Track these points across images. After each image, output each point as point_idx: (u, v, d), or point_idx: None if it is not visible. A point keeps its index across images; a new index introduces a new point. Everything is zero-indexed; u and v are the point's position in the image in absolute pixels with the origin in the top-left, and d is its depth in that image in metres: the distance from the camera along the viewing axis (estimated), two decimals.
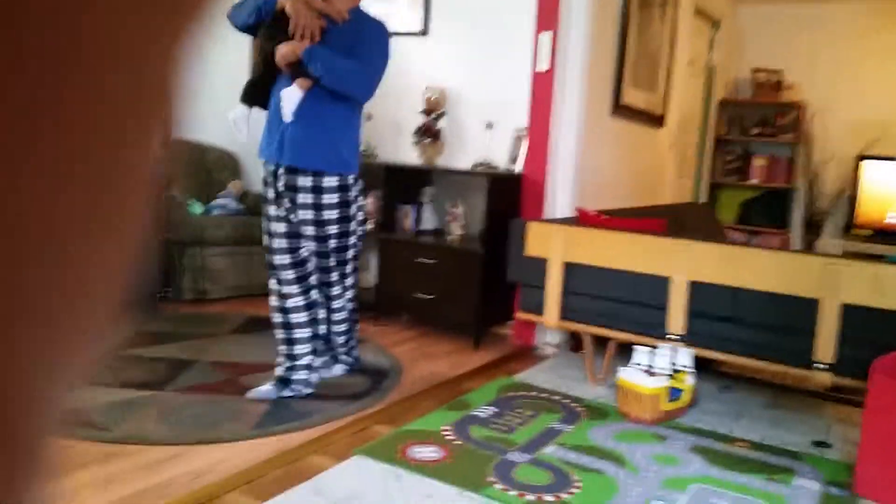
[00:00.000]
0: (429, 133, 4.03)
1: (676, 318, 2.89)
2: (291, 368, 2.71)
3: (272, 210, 2.64)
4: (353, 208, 2.63)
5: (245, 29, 2.56)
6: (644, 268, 2.97)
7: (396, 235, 3.93)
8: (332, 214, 2.57)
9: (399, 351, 3.47)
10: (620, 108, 4.38)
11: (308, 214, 2.56)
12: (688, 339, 2.88)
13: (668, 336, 2.90)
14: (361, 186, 2.70)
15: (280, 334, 2.71)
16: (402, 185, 4.02)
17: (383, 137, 4.34)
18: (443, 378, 3.12)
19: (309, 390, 2.73)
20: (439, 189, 4.14)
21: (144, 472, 2.04)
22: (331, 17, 2.50)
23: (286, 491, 2.00)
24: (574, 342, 3.69)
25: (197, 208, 4.14)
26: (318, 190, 2.53)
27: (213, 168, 4.43)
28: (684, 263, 2.88)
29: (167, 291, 3.80)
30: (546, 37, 3.66)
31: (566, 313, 3.16)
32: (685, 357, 2.87)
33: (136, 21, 0.17)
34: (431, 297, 3.69)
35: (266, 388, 2.69)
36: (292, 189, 2.55)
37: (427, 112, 4.05)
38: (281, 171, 2.56)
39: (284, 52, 2.43)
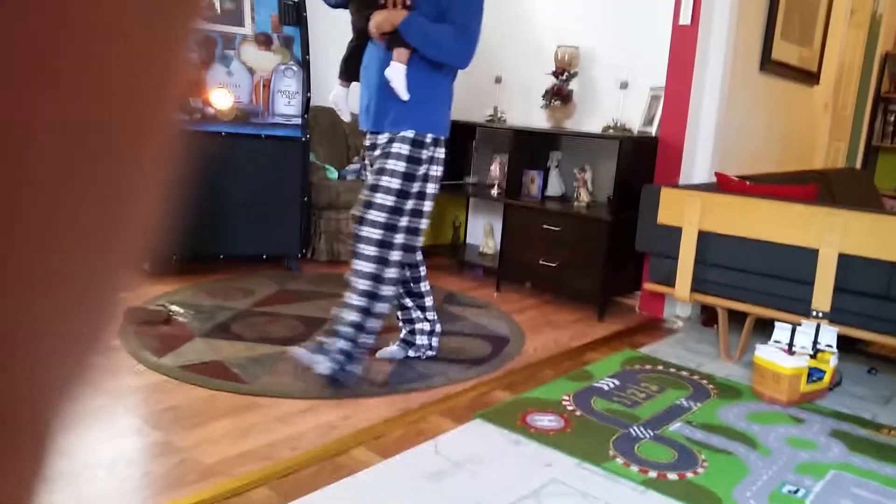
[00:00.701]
0: (559, 95, 3.93)
1: (822, 294, 2.68)
2: (412, 332, 2.77)
3: (416, 186, 2.49)
4: (423, 168, 2.47)
5: (337, 5, 2.56)
6: (789, 239, 2.76)
7: (521, 201, 3.88)
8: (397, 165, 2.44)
9: (521, 318, 3.46)
10: (770, 64, 4.07)
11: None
12: (833, 316, 2.67)
13: (812, 313, 2.70)
14: (440, 155, 2.53)
15: (400, 302, 2.76)
16: (529, 149, 3.96)
17: (512, 100, 4.28)
18: (565, 347, 3.09)
19: (432, 353, 2.78)
20: (568, 153, 4.04)
21: (278, 423, 2.17)
22: None
23: (408, 449, 2.06)
24: (706, 316, 3.52)
25: (332, 173, 4.29)
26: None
27: (349, 134, 4.56)
28: (834, 234, 2.66)
29: (304, 252, 3.98)
30: None
31: (699, 285, 3.01)
32: (829, 335, 2.67)
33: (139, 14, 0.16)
34: (555, 264, 3.64)
35: (393, 349, 2.76)
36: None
37: (558, 72, 3.94)
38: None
39: (379, 20, 2.38)
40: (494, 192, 4.07)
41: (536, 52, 4.15)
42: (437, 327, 2.82)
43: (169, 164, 0.20)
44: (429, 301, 2.79)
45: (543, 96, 3.98)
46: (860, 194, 4.33)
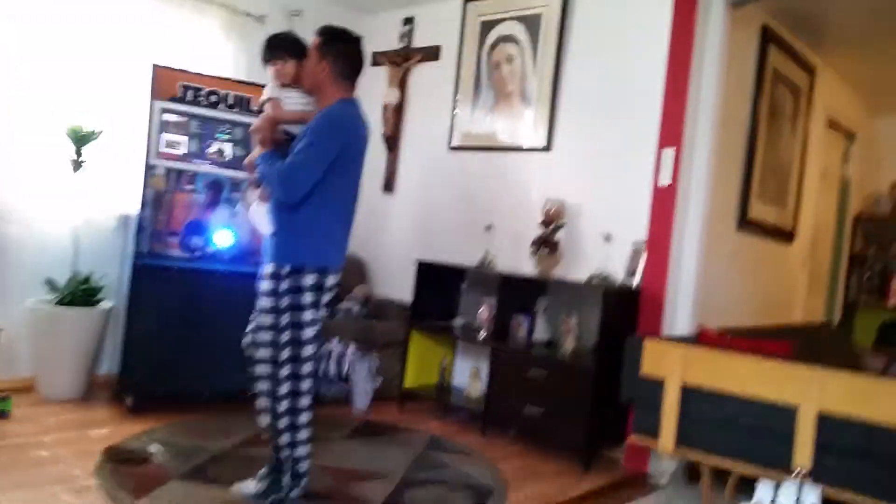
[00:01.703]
0: (546, 244, 4.09)
1: (803, 452, 2.69)
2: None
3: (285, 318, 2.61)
4: (285, 300, 2.58)
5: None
6: (769, 395, 2.80)
7: (509, 345, 3.95)
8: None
9: (506, 467, 3.42)
10: (747, 223, 4.29)
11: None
12: (815, 475, 2.66)
13: (793, 471, 2.70)
14: (308, 283, 2.60)
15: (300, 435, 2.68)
16: (517, 294, 4.07)
17: (502, 247, 4.44)
18: (550, 502, 3.04)
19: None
20: (554, 300, 4.15)
21: None
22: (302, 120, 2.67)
23: None
24: (692, 471, 3.49)
25: None
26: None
27: (342, 272, 4.68)
28: (813, 392, 2.71)
29: None
30: (669, 152, 3.68)
31: (683, 439, 3.01)
32: (812, 495, 2.65)
33: None
34: (541, 411, 3.64)
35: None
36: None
37: (546, 223, 4.12)
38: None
39: (246, 161, 2.73)
40: (482, 335, 4.14)
41: (526, 203, 4.37)
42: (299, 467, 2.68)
43: None
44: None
45: (532, 245, 4.14)
46: (839, 350, 4.42)
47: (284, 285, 2.57)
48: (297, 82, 2.71)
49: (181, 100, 3.84)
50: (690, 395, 3.00)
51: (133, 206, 3.92)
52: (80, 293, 3.76)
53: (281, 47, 2.70)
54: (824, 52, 4.90)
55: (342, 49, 2.67)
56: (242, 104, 4.03)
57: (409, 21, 5.22)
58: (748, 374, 2.88)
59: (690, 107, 3.66)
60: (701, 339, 3.25)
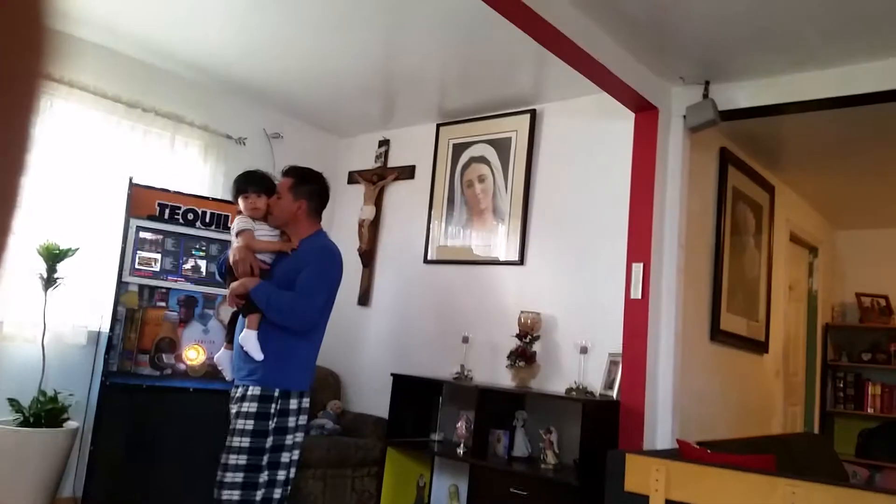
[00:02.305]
0: (523, 356, 4.09)
1: None
2: None
3: (269, 441, 2.66)
4: (272, 422, 2.64)
5: (222, 277, 2.92)
6: None
7: (488, 462, 3.85)
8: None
9: None
10: (720, 335, 4.34)
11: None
12: None
13: None
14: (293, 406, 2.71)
15: None
16: (495, 407, 4.01)
17: (479, 360, 4.42)
18: None
19: None
20: (533, 413, 4.10)
21: None
22: (281, 251, 2.83)
23: None
24: None
25: None
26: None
27: (316, 387, 4.59)
28: None
29: None
30: (638, 267, 3.77)
31: None
32: None
33: None
34: None
35: None
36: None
37: (521, 335, 4.14)
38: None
39: (234, 286, 2.73)
40: (461, 450, 4.04)
41: (502, 315, 4.39)
42: None
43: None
44: None
45: (508, 356, 4.13)
46: (821, 460, 4.37)
47: (271, 408, 2.62)
48: (264, 216, 2.88)
49: (158, 217, 3.89)
50: None
51: (104, 323, 3.87)
52: (46, 413, 3.64)
53: (255, 183, 2.86)
54: (782, 171, 5.16)
55: (315, 189, 2.91)
56: (219, 221, 4.08)
57: (384, 142, 5.42)
58: (731, 489, 2.83)
59: (656, 224, 3.79)
60: (681, 453, 3.21)
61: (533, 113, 4.53)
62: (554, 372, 4.12)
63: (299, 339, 2.73)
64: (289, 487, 2.70)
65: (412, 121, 5.17)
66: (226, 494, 2.53)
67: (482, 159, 4.75)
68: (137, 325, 3.59)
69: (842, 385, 6.12)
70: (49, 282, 3.79)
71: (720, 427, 4.23)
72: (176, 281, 3.74)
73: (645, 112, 3.88)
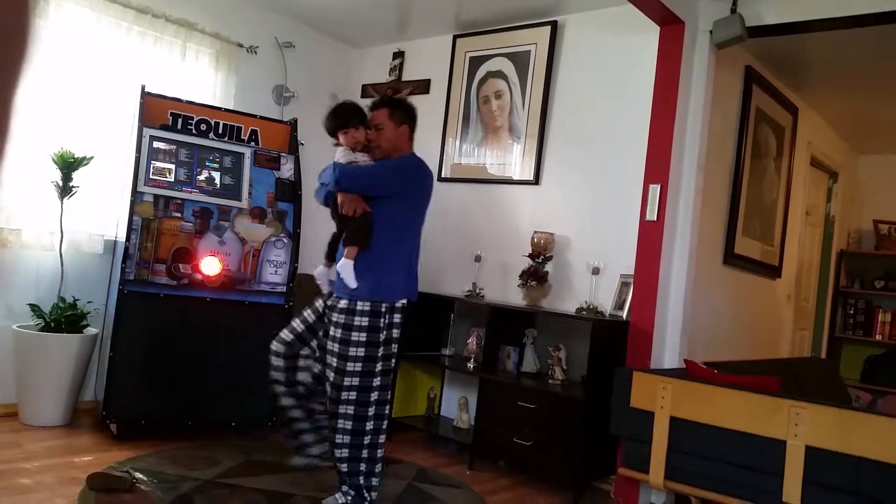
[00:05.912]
0: (535, 276, 4.10)
1: (792, 487, 2.69)
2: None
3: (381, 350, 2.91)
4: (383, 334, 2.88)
5: (325, 205, 3.08)
6: (757, 429, 2.81)
7: (497, 376, 3.93)
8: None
9: (494, 500, 3.38)
10: (733, 258, 4.32)
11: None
12: None
13: None
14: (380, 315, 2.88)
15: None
16: (505, 325, 4.07)
17: (491, 278, 4.45)
18: None
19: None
20: (542, 331, 4.15)
21: None
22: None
23: None
24: (682, 503, 3.46)
25: None
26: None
27: None
28: (800, 427, 2.71)
29: (274, 421, 3.91)
30: (655, 189, 3.72)
31: (672, 473, 3.00)
32: None
33: None
34: (530, 443, 3.62)
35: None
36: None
37: (534, 255, 4.14)
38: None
39: (341, 200, 2.90)
40: (471, 364, 4.12)
41: (515, 235, 4.39)
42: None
43: None
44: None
45: (520, 276, 4.15)
46: (826, 384, 4.43)
47: (362, 320, 2.81)
48: (363, 146, 3.00)
49: (171, 128, 3.85)
50: (679, 429, 3.00)
51: (120, 233, 3.90)
52: (66, 319, 3.72)
53: (353, 116, 2.96)
54: (806, 93, 5.01)
55: (410, 111, 3.08)
56: (232, 132, 4.04)
57: (399, 55, 5.29)
58: (736, 409, 2.88)
59: (676, 144, 3.71)
60: (689, 372, 3.26)
61: (554, 25, 4.38)
62: (565, 292, 4.15)
63: (395, 257, 2.91)
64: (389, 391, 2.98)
65: (428, 31, 5.03)
66: (344, 395, 2.78)
67: (499, 74, 4.64)
68: (154, 234, 3.61)
69: (852, 311, 6.14)
70: (65, 190, 3.80)
71: (728, 349, 4.28)
72: (190, 192, 3.73)
73: (670, 25, 3.73)
